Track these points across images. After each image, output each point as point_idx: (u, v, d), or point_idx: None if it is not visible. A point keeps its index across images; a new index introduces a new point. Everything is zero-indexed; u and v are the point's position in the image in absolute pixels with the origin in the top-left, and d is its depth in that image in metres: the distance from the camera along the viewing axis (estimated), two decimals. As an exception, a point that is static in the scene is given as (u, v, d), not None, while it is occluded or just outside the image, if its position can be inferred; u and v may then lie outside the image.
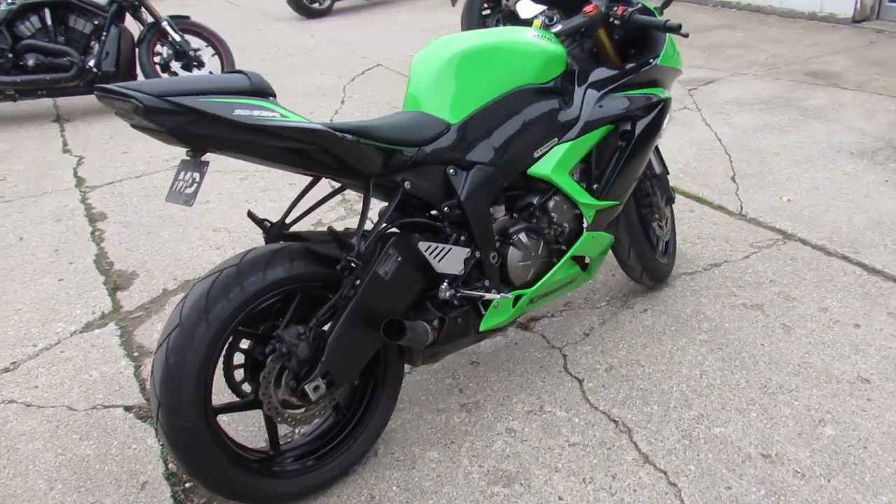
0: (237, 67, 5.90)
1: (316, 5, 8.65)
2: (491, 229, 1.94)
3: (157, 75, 5.20)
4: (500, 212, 2.00)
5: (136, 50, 5.20)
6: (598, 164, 2.15)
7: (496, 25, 5.53)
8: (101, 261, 3.15)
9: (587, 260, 2.26)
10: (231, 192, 3.77)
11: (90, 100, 5.59)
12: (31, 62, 4.97)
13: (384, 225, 1.76)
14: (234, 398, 1.80)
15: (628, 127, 2.18)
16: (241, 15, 9.19)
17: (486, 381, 2.25)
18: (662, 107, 2.26)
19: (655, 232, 2.61)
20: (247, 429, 2.09)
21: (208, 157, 1.56)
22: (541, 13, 2.32)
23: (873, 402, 2.04)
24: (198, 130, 1.45)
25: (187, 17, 5.40)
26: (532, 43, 1.97)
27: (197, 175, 1.54)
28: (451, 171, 1.87)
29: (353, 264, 1.67)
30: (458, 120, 1.88)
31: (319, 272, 1.69)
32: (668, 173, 2.64)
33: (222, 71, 5.47)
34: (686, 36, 2.19)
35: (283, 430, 1.97)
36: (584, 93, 2.09)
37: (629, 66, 2.20)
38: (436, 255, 1.82)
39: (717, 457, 1.88)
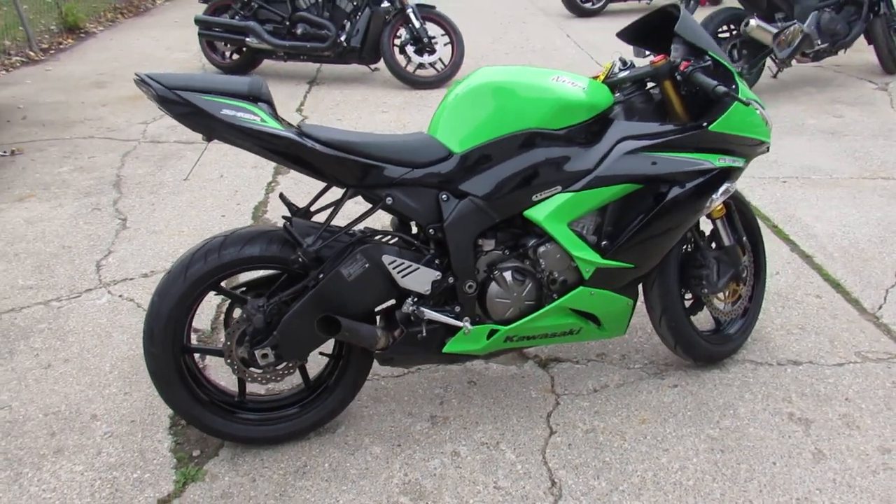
0: (479, 57, 6.30)
1: (588, 5, 8.70)
2: (471, 259, 2.00)
3: (392, 55, 5.79)
4: (489, 245, 2.04)
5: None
6: (611, 222, 2.06)
7: (733, 51, 5.12)
8: (260, 208, 3.76)
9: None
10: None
11: (343, 69, 6.44)
12: (299, 31, 5.88)
13: (342, 231, 1.95)
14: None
15: (664, 190, 2.03)
16: (518, 6, 9.59)
17: (470, 402, 2.31)
18: (714, 176, 2.06)
19: (711, 308, 2.38)
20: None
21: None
22: (618, 58, 2.22)
23: (851, 571, 1.71)
24: (196, 121, 1.77)
25: (432, 7, 5.89)
26: (549, 88, 1.95)
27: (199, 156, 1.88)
28: (444, 196, 1.96)
29: (300, 260, 1.88)
30: (462, 150, 1.95)
31: (289, 258, 1.94)
32: (741, 247, 2.37)
33: (451, 59, 5.89)
34: (746, 104, 1.97)
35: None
36: (613, 147, 2.00)
37: (675, 127, 2.04)
38: (400, 271, 1.95)
39: (624, 554, 1.76)
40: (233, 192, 3.94)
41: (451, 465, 2.06)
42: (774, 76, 5.67)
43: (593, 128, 2.01)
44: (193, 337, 2.63)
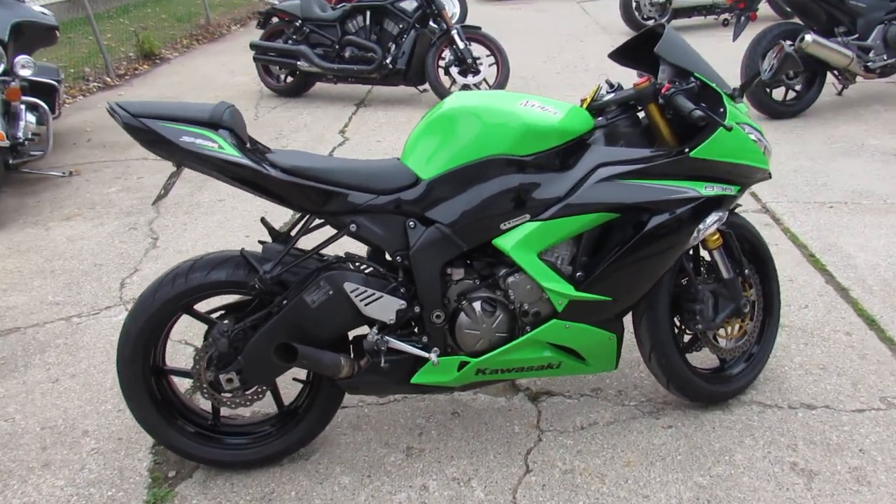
0: (529, 77, 6.24)
1: (650, 22, 8.47)
2: (437, 288, 1.94)
3: (436, 77, 5.80)
4: (459, 274, 1.97)
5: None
6: (587, 252, 1.95)
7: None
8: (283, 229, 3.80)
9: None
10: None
11: (392, 91, 6.49)
12: (347, 54, 5.99)
13: (304, 257, 1.93)
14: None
15: (644, 220, 1.92)
16: (580, 25, 9.46)
17: (449, 434, 2.24)
18: (700, 205, 1.93)
19: (709, 345, 2.22)
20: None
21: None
22: (605, 80, 2.13)
23: None
24: (160, 148, 1.81)
25: (478, 28, 5.88)
26: (514, 114, 1.87)
27: (170, 182, 1.92)
28: (411, 223, 1.92)
29: (256, 286, 1.88)
30: (429, 176, 1.91)
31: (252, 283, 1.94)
32: (743, 280, 2.20)
33: (496, 79, 5.85)
34: (728, 129, 1.83)
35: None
36: (588, 173, 1.90)
37: (657, 152, 1.93)
38: (363, 299, 1.91)
39: None
40: (262, 213, 4.01)
41: (417, 500, 1.99)
42: (839, 93, 5.34)
43: (567, 153, 1.92)
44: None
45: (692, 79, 1.93)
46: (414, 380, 2.00)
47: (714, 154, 1.91)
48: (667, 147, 1.98)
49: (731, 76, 4.87)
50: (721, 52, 5.88)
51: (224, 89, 7.07)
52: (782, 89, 4.98)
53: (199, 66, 8.35)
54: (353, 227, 1.91)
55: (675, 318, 2.22)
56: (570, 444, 2.16)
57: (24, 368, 2.69)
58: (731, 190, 1.99)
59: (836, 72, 4.98)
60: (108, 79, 7.63)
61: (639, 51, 2.13)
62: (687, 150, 1.90)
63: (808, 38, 4.59)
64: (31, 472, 2.17)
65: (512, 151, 1.87)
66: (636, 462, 2.08)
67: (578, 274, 1.95)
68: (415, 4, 5.80)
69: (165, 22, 10.78)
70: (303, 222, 2.00)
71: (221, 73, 7.86)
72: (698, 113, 1.78)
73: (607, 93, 2.09)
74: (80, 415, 2.41)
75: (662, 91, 1.91)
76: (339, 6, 6.40)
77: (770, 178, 2.10)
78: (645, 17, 8.42)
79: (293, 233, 2.08)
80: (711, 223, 1.97)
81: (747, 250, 2.28)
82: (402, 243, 1.93)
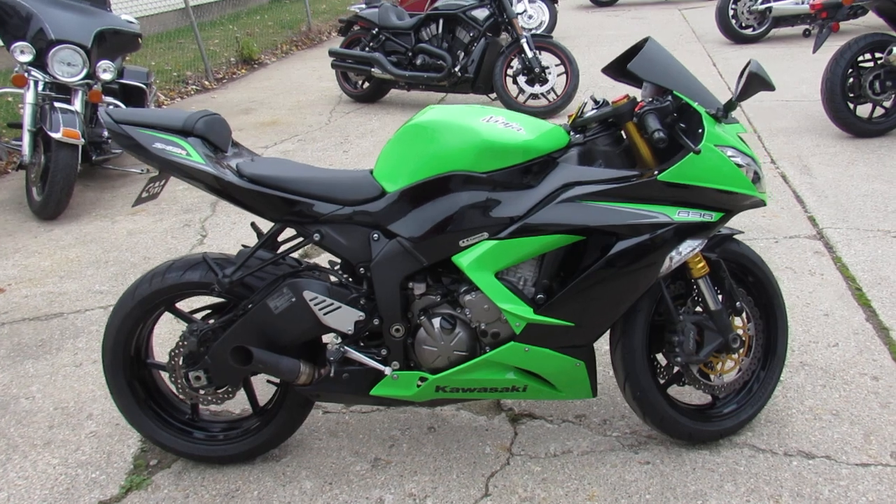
0: (608, 87, 6.09)
1: (749, 31, 8.03)
2: (396, 301, 1.93)
3: (504, 86, 5.76)
4: (420, 289, 1.95)
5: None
6: (548, 274, 1.87)
7: (875, 82, 4.45)
8: (323, 232, 3.90)
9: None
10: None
11: (465, 98, 6.49)
12: (418, 61, 6.06)
13: (267, 262, 1.97)
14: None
15: (609, 243, 1.82)
16: (676, 32, 9.10)
17: (419, 449, 2.21)
18: (671, 231, 1.81)
19: (691, 379, 2.07)
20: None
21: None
22: (590, 96, 2.03)
23: None
24: (136, 152, 1.91)
25: (548, 37, 5.80)
26: (474, 130, 1.82)
27: (152, 186, 2.02)
28: (375, 236, 1.93)
29: (215, 289, 1.94)
30: (393, 190, 1.91)
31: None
32: (735, 312, 2.04)
33: (564, 88, 5.74)
34: (696, 152, 1.71)
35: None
36: (552, 193, 1.83)
37: (627, 174, 1.82)
38: (322, 308, 1.93)
39: None
40: (306, 216, 4.14)
41: (369, 513, 1.99)
42: (940, 110, 4.84)
43: (532, 171, 1.86)
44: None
45: (668, 97, 1.82)
46: (374, 392, 1.99)
47: (685, 178, 1.79)
48: (644, 168, 1.87)
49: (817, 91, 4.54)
50: (814, 64, 5.49)
51: (308, 94, 7.34)
52: (869, 105, 4.58)
53: (293, 71, 8.71)
54: (316, 237, 1.93)
55: (663, 349, 2.10)
56: (537, 471, 2.09)
57: (56, 351, 2.91)
58: (710, 216, 1.85)
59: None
60: (207, 82, 8.11)
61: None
62: (656, 172, 1.79)
63: (898, 50, 4.21)
64: (34, 448, 2.34)
65: (471, 168, 1.83)
66: (600, 497, 1.98)
67: (539, 296, 1.88)
68: (486, 13, 5.79)
69: (271, 28, 11.33)
70: (273, 230, 2.04)
71: (310, 78, 8.17)
72: (659, 134, 1.67)
73: (592, 109, 2.01)
74: (89, 399, 2.58)
75: (636, 108, 1.81)
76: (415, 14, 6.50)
77: (764, 205, 1.94)
78: (742, 25, 7.98)
79: (278, 239, 2.13)
80: (686, 251, 1.84)
81: (750, 282, 2.12)
82: (365, 255, 1.93)
